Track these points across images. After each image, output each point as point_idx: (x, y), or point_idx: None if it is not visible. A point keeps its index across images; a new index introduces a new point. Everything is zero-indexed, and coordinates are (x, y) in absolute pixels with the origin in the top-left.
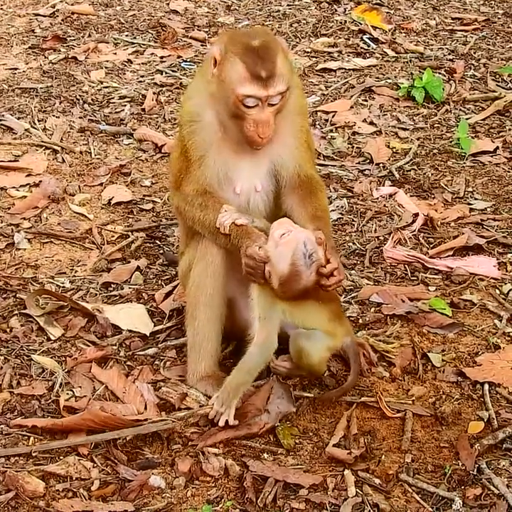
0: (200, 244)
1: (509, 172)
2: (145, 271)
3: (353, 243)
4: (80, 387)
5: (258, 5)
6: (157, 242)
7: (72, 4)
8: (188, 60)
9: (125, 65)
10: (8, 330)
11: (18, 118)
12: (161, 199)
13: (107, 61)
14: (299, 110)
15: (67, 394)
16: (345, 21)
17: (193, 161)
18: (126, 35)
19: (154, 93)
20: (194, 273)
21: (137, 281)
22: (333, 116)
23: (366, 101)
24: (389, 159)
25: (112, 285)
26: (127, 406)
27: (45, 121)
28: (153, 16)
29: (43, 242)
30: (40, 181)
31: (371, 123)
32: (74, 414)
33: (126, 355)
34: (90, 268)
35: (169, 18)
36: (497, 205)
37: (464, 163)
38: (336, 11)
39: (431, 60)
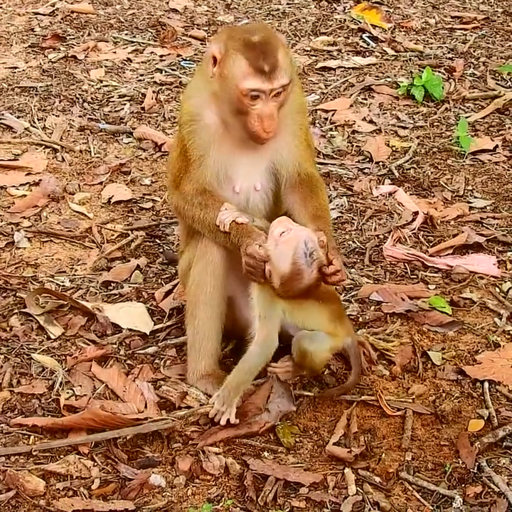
0: (200, 243)
1: (509, 170)
2: (145, 270)
3: (353, 242)
4: (80, 386)
5: (258, 3)
6: (157, 240)
7: (71, 3)
8: (188, 58)
9: (125, 64)
10: (8, 329)
11: (18, 117)
12: (161, 198)
13: (107, 60)
14: (299, 108)
15: (68, 393)
16: (345, 20)
17: (192, 160)
18: (126, 34)
19: (154, 92)
20: (194, 272)
21: (137, 280)
22: (332, 115)
23: (366, 99)
24: (389, 158)
25: (112, 284)
26: (127, 405)
27: (45, 120)
28: (152, 15)
29: (43, 241)
30: (40, 180)
31: (371, 121)
32: (74, 413)
33: (126, 354)
34: (90, 267)
35: (169, 17)
36: (497, 204)
37: (464, 161)
38: (335, 9)
39: (430, 58)
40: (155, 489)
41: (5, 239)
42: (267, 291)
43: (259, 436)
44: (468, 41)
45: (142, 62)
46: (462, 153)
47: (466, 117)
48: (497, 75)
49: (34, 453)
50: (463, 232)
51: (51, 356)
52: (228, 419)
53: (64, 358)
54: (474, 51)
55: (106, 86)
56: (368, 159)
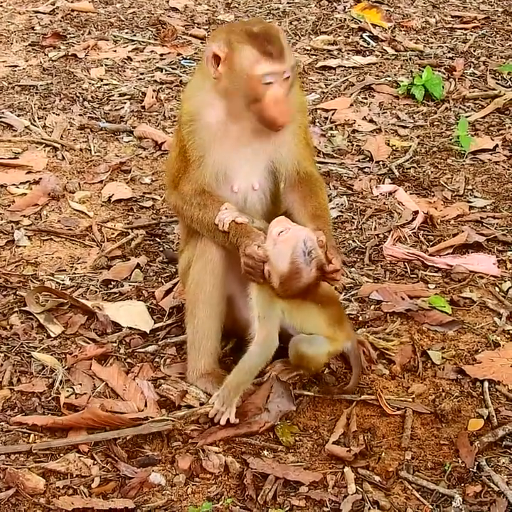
0: (199, 242)
1: (509, 170)
2: (145, 268)
3: (353, 241)
4: (80, 384)
5: (258, 2)
6: (157, 239)
7: (72, 1)
8: (188, 57)
9: (125, 63)
10: (8, 327)
11: (18, 115)
12: (161, 196)
13: (107, 58)
14: (298, 107)
15: (68, 391)
16: (345, 19)
17: (192, 161)
18: (126, 33)
19: (154, 91)
20: (193, 271)
21: (137, 278)
22: (332, 114)
23: (366, 99)
24: (389, 157)
25: (112, 282)
26: (127, 403)
27: (45, 119)
28: (152, 14)
29: (43, 240)
30: (40, 178)
31: (371, 121)
32: (74, 411)
33: (126, 353)
34: (90, 265)
35: (169, 16)
36: (497, 203)
37: (464, 161)
38: (335, 8)
39: (430, 57)
40: (155, 488)
41: (5, 237)
42: (265, 291)
43: (259, 435)
44: (468, 41)
45: (142, 60)
46: (462, 152)
47: (466, 117)
48: (497, 74)
49: (34, 451)
50: (463, 231)
51: (51, 354)
52: (228, 419)
53: (64, 356)
54: (474, 51)
55: (106, 85)
56: (368, 158)
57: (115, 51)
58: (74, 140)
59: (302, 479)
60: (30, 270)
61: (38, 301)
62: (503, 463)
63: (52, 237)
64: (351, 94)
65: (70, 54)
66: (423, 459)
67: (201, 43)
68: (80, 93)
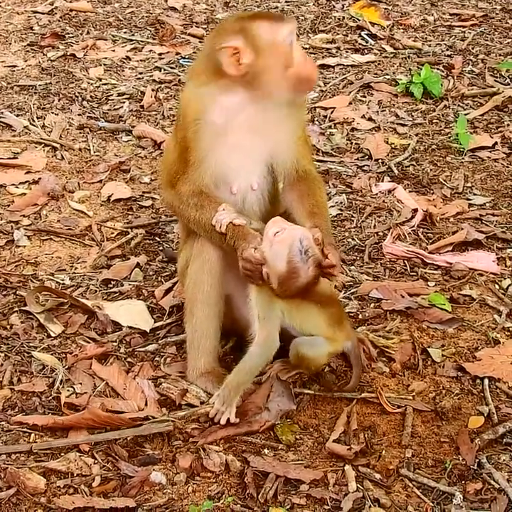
0: (196, 242)
1: (508, 167)
2: (145, 267)
3: (352, 239)
4: (81, 383)
5: (256, 1)
6: (157, 238)
7: (70, 1)
8: (187, 56)
9: (124, 62)
10: (8, 327)
11: (17, 115)
12: (160, 196)
13: (106, 58)
14: (297, 105)
15: (68, 390)
16: (344, 17)
17: (192, 162)
18: (125, 32)
19: (153, 90)
20: (191, 270)
21: (137, 277)
22: (331, 113)
23: (365, 97)
24: (388, 155)
25: (112, 282)
26: (128, 402)
27: (44, 119)
28: (151, 13)
29: (43, 239)
30: (40, 178)
31: (370, 119)
32: (75, 410)
33: (126, 352)
34: (90, 265)
35: (167, 15)
36: (496, 201)
37: (463, 158)
38: (334, 7)
39: (429, 55)
40: (155, 486)
41: (5, 237)
42: (265, 291)
43: (259, 433)
44: (466, 38)
45: (141, 60)
46: (461, 150)
47: (465, 114)
48: (496, 72)
49: (35, 451)
50: (462, 229)
51: (51, 354)
52: (228, 419)
53: (64, 355)
54: (473, 48)
55: (105, 84)
56: (367, 157)
57: (114, 51)
58: (73, 140)
59: (303, 477)
60: (30, 270)
61: (38, 301)
62: (504, 460)
63: (51, 236)
64: (350, 92)
65: (68, 54)
66: (423, 456)
67: (200, 42)
68: (78, 93)
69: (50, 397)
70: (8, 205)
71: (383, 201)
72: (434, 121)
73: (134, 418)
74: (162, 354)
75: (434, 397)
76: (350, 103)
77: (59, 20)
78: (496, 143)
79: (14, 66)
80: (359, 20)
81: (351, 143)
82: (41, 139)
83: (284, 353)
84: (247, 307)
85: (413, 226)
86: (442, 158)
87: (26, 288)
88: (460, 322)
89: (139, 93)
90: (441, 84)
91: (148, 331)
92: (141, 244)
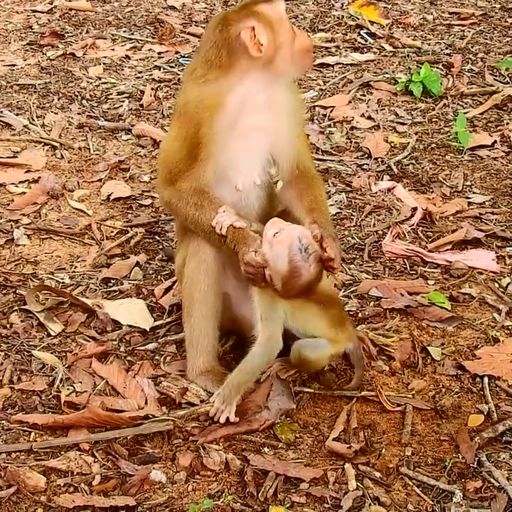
0: (192, 241)
1: (507, 166)
2: (144, 266)
3: (352, 237)
4: (81, 382)
5: None
6: (156, 237)
7: (69, 0)
8: (186, 55)
9: (123, 61)
10: (8, 326)
11: (17, 114)
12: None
13: (105, 57)
14: (297, 103)
15: (68, 389)
16: (343, 16)
17: (202, 158)
18: (124, 31)
19: (152, 89)
20: (187, 270)
21: (137, 276)
22: (331, 111)
23: (364, 96)
24: (387, 154)
25: (112, 280)
26: (128, 401)
27: (44, 118)
28: (150, 12)
29: (43, 238)
30: (39, 177)
31: (369, 118)
32: (75, 409)
33: (126, 351)
34: (90, 264)
35: (167, 14)
36: (495, 199)
37: (462, 157)
38: (333, 6)
39: (428, 54)
40: (156, 485)
41: (4, 236)
42: (267, 292)
43: (259, 432)
44: (466, 37)
45: (140, 59)
46: (461, 148)
47: (465, 113)
48: (495, 70)
49: (35, 449)
50: (462, 227)
51: (51, 353)
52: (228, 417)
53: (64, 354)
54: (472, 47)
55: (104, 83)
56: (366, 155)
57: (113, 50)
58: (72, 139)
59: (303, 476)
60: (30, 269)
61: (38, 300)
62: (504, 458)
63: (51, 235)
64: (349, 91)
65: (68, 53)
66: (423, 454)
67: (199, 40)
68: (78, 92)
69: (50, 396)
70: (8, 204)
71: (383, 200)
72: (434, 119)
73: (133, 417)
74: (162, 353)
75: (433, 395)
76: (349, 102)
77: (58, 20)
78: (495, 141)
79: (14, 65)
80: (358, 19)
81: (351, 142)
82: (41, 138)
83: (284, 352)
84: (245, 305)
85: (413, 225)
86: (442, 156)
87: (26, 287)
88: (460, 320)
89: (139, 92)
90: (441, 83)
91: (148, 330)
92: (141, 242)
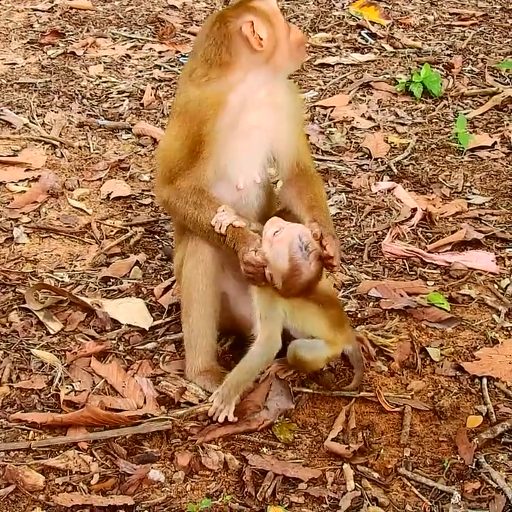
0: (190, 241)
1: (507, 167)
2: (144, 265)
3: (352, 238)
4: (80, 381)
5: None
6: (156, 236)
7: None
8: (187, 55)
9: (123, 60)
10: (7, 324)
11: (17, 113)
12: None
13: (106, 56)
14: (297, 103)
15: (67, 388)
16: (343, 16)
17: (200, 157)
18: (125, 30)
19: (153, 88)
20: (185, 270)
21: (136, 275)
22: (331, 112)
23: (364, 96)
24: (387, 154)
25: (111, 280)
26: (127, 400)
27: (44, 116)
28: (151, 11)
29: (42, 237)
30: (39, 176)
31: (369, 118)
32: (74, 408)
33: (125, 350)
34: (89, 263)
35: (167, 13)
36: (495, 200)
37: (462, 158)
38: (333, 6)
39: (429, 55)
40: (154, 484)
41: (4, 235)
42: (267, 291)
43: (258, 432)
44: (466, 38)
45: (141, 58)
46: (461, 149)
47: (465, 114)
48: (495, 71)
49: (33, 448)
50: (461, 228)
51: (50, 352)
52: (226, 417)
53: (63, 353)
54: (473, 48)
55: (105, 82)
56: (366, 156)
57: (114, 49)
58: (73, 137)
59: (301, 476)
60: (30, 267)
61: (38, 299)
62: (502, 459)
63: (51, 234)
64: (350, 91)
65: (68, 52)
66: (422, 455)
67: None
68: (78, 91)
69: (49, 395)
70: (8, 203)
71: (382, 200)
72: (434, 120)
73: (132, 416)
74: (161, 352)
75: (432, 396)
76: (349, 102)
77: (59, 18)
78: (495, 142)
79: (14, 64)
80: (359, 19)
81: (351, 142)
82: (41, 136)
83: (283, 353)
84: (244, 305)
85: (412, 225)
86: (442, 157)
87: (25, 285)
88: (459, 321)
89: (139, 91)
90: (441, 84)
91: (147, 329)
92: (141, 242)
